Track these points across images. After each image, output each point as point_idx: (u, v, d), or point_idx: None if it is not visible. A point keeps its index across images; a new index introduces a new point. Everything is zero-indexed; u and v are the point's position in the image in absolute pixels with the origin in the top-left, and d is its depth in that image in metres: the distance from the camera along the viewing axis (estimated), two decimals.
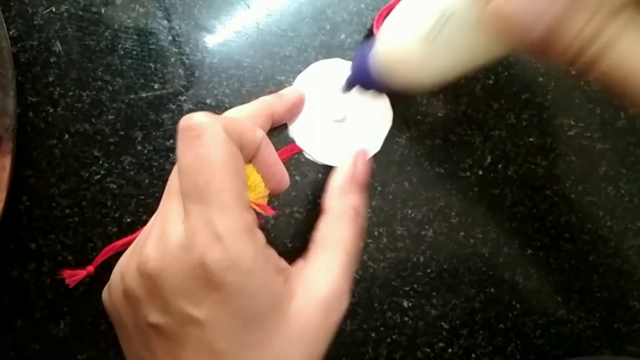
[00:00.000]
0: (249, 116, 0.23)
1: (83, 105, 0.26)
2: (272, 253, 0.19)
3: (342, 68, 0.27)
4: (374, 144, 0.26)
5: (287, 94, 0.26)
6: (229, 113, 0.22)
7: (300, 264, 0.21)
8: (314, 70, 0.27)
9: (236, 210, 0.18)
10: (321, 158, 0.26)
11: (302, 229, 0.26)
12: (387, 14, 0.28)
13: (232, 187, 0.18)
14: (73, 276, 0.24)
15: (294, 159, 0.26)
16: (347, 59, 0.27)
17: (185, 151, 0.19)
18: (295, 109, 0.26)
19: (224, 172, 0.18)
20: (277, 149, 0.26)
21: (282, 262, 0.20)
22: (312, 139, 0.26)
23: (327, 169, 0.26)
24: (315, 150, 0.26)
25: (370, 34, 0.28)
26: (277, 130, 0.26)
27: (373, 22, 0.27)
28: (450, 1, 0.18)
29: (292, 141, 0.26)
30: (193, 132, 0.18)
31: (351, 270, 0.21)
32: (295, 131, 0.26)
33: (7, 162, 0.22)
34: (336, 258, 0.21)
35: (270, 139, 0.26)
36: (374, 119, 0.27)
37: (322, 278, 0.20)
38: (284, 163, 0.26)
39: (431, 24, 0.19)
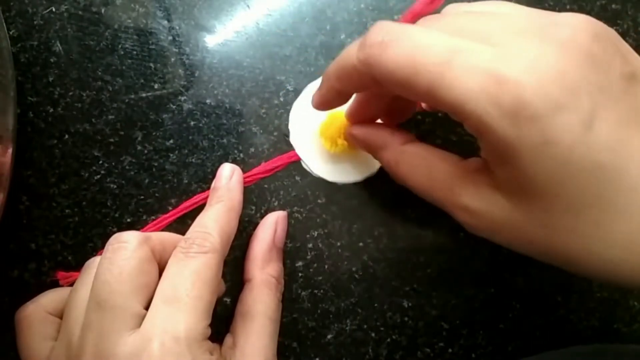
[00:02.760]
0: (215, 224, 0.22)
1: (83, 105, 0.26)
2: None
3: None
4: (373, 162, 0.26)
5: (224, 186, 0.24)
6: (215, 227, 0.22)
7: (229, 341, 0.22)
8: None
9: (122, 330, 0.18)
10: (317, 170, 0.26)
11: (302, 229, 0.26)
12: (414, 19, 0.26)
13: (127, 306, 0.18)
14: (67, 278, 0.24)
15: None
16: None
17: (102, 259, 0.20)
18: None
19: (126, 288, 0.19)
20: (280, 153, 0.26)
21: None
22: (311, 149, 0.26)
23: None
24: (312, 161, 0.26)
25: None
26: (275, 129, 0.26)
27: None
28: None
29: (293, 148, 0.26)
30: (116, 245, 0.20)
31: (277, 337, 0.22)
32: (296, 139, 0.26)
33: (7, 162, 0.22)
34: (265, 329, 0.22)
35: (268, 138, 0.26)
36: None
37: (256, 352, 0.21)
38: (283, 169, 0.26)
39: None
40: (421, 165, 0.21)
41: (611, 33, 0.17)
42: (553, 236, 0.17)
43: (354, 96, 0.23)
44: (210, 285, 0.20)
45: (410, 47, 0.16)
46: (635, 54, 0.18)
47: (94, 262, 0.21)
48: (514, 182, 0.17)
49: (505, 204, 0.18)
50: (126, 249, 0.19)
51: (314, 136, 0.26)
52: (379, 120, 0.24)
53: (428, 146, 0.22)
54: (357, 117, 0.23)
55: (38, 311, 0.21)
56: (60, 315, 0.21)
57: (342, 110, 0.24)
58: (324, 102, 0.22)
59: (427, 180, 0.21)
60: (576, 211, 0.16)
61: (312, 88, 0.27)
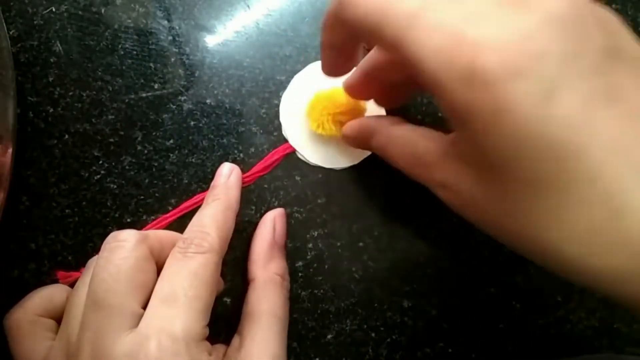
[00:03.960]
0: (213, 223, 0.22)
1: (83, 105, 0.26)
2: None
3: None
4: None
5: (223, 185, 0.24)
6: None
7: (236, 342, 0.22)
8: (311, 71, 0.27)
9: (119, 329, 0.18)
10: (313, 158, 0.26)
11: (302, 229, 0.26)
12: None
13: (124, 306, 0.18)
14: (67, 277, 0.24)
15: (295, 159, 0.26)
16: None
17: (100, 258, 0.19)
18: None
19: (123, 287, 0.19)
20: (274, 148, 0.26)
21: None
22: (304, 139, 0.26)
23: (328, 169, 0.26)
24: (307, 150, 0.26)
25: None
26: (275, 129, 0.26)
27: None
28: None
29: (287, 140, 0.26)
30: (114, 244, 0.20)
31: (285, 334, 0.22)
32: (288, 131, 0.26)
33: (7, 162, 0.22)
34: (271, 327, 0.21)
35: (268, 138, 0.26)
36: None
37: (263, 351, 0.21)
38: (280, 162, 0.26)
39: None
40: (407, 144, 0.20)
41: (592, 7, 0.15)
42: (509, 217, 0.16)
43: (353, 70, 0.22)
44: (209, 285, 0.19)
45: None
46: (627, 33, 0.16)
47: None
48: (474, 152, 0.16)
49: (471, 176, 0.17)
50: (124, 247, 0.19)
51: (304, 124, 0.26)
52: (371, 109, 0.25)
53: (414, 126, 0.21)
54: (353, 91, 0.23)
55: (26, 315, 0.21)
56: (49, 315, 0.21)
57: (327, 89, 0.25)
58: (326, 64, 0.22)
59: (412, 159, 0.20)
60: (531, 191, 0.15)
61: (299, 79, 0.27)
